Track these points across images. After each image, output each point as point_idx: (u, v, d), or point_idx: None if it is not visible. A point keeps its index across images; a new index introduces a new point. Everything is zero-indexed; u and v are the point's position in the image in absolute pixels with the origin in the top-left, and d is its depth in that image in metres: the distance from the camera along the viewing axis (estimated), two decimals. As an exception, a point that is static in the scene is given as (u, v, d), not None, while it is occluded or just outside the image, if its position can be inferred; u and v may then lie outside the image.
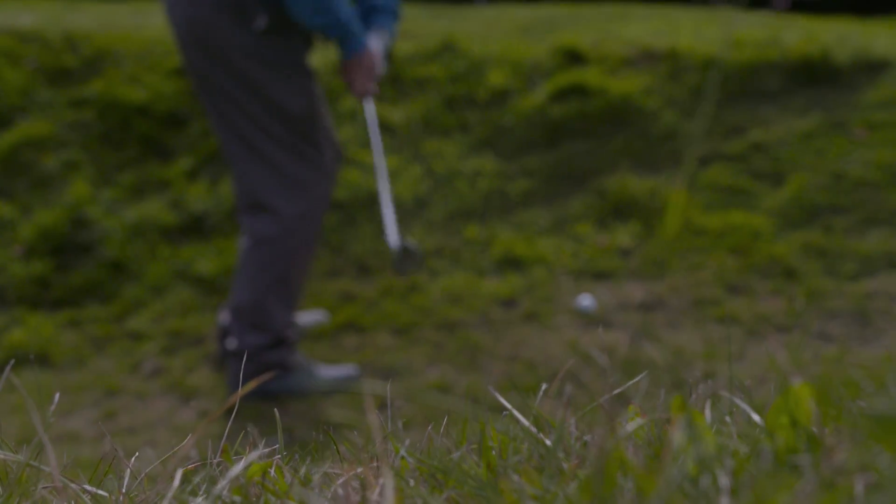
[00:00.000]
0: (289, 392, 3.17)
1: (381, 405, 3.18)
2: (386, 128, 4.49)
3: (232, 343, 3.16)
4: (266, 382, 3.12)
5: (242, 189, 3.07)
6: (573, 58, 4.74)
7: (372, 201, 4.11)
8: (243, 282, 3.11)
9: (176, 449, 1.02)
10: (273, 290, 3.09)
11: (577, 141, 4.34)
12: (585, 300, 3.52)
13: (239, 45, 2.94)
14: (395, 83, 4.68)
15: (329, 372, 3.22)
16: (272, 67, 2.99)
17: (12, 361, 1.31)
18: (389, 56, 4.27)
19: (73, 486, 0.98)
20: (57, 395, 3.16)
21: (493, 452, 0.87)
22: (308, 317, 3.54)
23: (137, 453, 2.84)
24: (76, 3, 6.10)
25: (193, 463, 1.09)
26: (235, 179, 3.11)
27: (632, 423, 0.78)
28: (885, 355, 3.27)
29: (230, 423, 1.05)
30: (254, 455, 0.98)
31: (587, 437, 0.83)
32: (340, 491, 0.88)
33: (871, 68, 4.54)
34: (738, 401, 0.83)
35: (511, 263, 3.84)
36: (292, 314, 3.19)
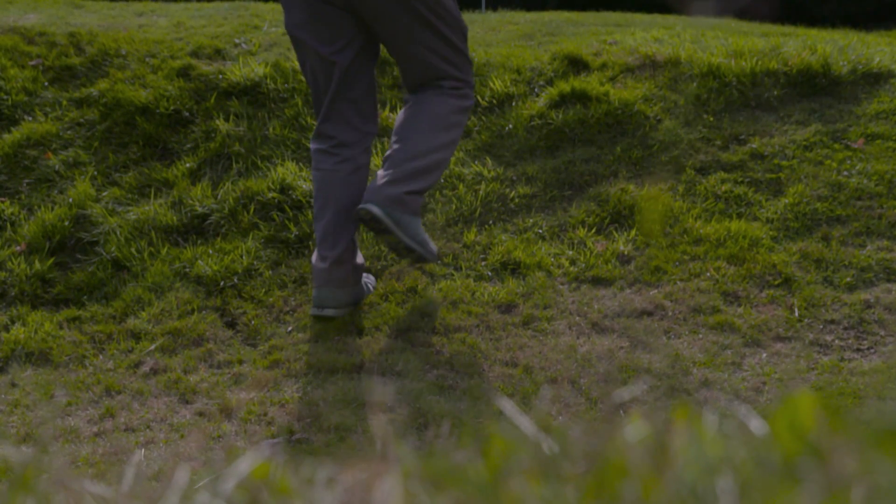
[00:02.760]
0: (405, 238, 3.45)
1: (382, 408, 3.19)
2: (388, 133, 4.50)
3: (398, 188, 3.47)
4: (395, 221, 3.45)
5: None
6: (575, 65, 4.75)
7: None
8: (432, 131, 3.54)
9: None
10: (448, 150, 3.59)
11: (577, 147, 4.36)
12: None
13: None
14: (398, 87, 4.69)
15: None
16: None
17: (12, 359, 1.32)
18: None
19: (75, 484, 0.99)
20: (56, 393, 3.19)
21: (496, 456, 0.88)
22: None
23: (142, 451, 2.85)
24: (82, 3, 6.11)
25: (195, 461, 1.11)
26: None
27: (634, 430, 0.79)
28: (882, 365, 3.28)
29: (231, 423, 1.07)
30: (258, 454, 0.99)
31: (589, 443, 0.85)
32: (345, 493, 0.89)
33: (871, 80, 4.56)
34: (738, 408, 0.84)
35: (510, 268, 3.85)
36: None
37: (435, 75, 3.57)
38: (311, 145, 3.65)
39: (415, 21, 3.48)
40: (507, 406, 0.92)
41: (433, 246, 3.59)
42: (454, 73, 3.58)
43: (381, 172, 3.51)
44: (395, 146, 3.54)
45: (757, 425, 0.77)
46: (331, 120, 3.58)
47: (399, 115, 3.64)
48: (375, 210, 3.41)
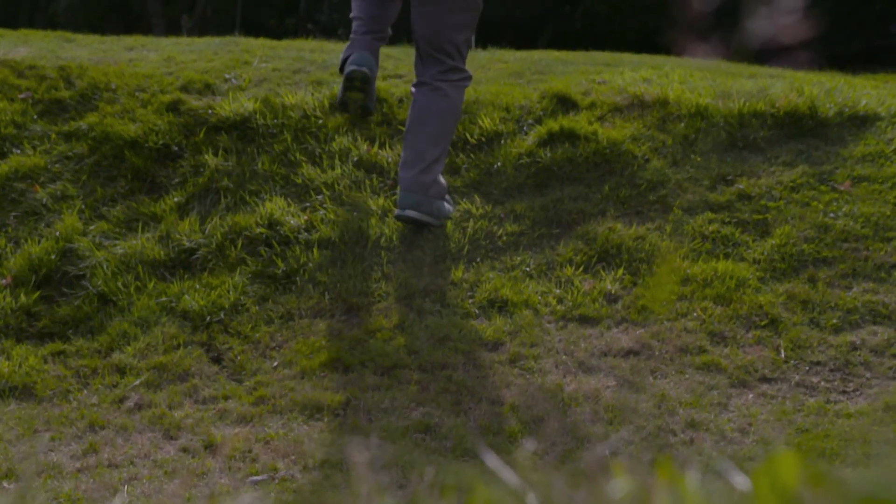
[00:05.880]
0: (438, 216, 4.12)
1: (366, 451, 3.17)
2: (376, 169, 4.51)
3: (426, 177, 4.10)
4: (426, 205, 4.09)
5: (447, 62, 4.19)
6: (563, 103, 4.78)
7: (360, 240, 4.13)
8: (443, 129, 4.17)
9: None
10: (449, 140, 4.23)
11: (565, 186, 4.37)
12: None
13: None
14: (387, 124, 4.71)
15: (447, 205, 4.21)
16: None
17: None
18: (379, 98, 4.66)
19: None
20: (40, 428, 3.16)
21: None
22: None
23: (126, 488, 2.82)
24: (72, 37, 6.13)
25: (179, 499, 1.11)
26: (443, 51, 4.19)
27: (617, 485, 0.79)
28: (867, 408, 3.29)
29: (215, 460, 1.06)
30: (244, 501, 0.99)
31: (572, 497, 0.85)
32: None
33: (858, 122, 4.59)
34: (722, 463, 0.85)
35: (497, 306, 3.85)
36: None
37: (447, 55, 4.18)
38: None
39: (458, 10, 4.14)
40: (491, 459, 0.91)
41: (449, 207, 4.25)
42: (462, 65, 4.23)
43: (404, 172, 4.12)
44: (415, 139, 4.15)
45: (740, 482, 0.77)
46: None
47: (417, 107, 4.20)
48: (413, 214, 4.09)
